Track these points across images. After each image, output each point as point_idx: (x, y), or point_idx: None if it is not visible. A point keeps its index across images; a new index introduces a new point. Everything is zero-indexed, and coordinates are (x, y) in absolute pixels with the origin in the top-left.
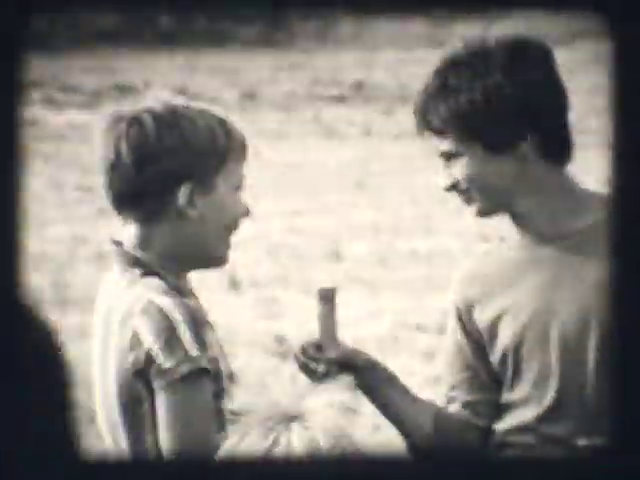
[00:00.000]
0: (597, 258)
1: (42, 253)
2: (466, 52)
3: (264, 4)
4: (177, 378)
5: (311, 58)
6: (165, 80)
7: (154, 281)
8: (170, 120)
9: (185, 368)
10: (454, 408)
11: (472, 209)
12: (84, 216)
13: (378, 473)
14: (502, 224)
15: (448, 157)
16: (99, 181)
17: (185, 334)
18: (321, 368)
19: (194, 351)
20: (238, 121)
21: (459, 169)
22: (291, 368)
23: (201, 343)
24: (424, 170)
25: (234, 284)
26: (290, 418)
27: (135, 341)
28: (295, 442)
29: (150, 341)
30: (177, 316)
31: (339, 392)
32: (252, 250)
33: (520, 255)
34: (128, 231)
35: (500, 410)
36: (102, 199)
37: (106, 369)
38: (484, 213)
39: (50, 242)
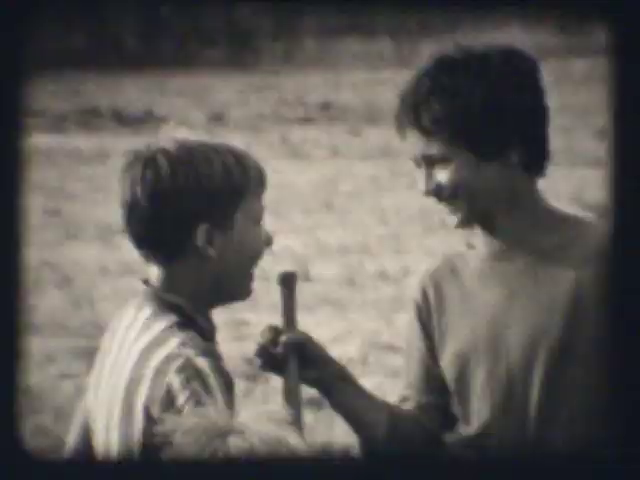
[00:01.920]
0: (556, 278)
1: None
2: (461, 55)
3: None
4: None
5: (277, 79)
6: (132, 103)
7: (192, 337)
8: (185, 160)
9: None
10: (406, 408)
11: (453, 218)
12: (50, 241)
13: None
14: (471, 240)
15: (432, 161)
16: (64, 205)
17: (217, 400)
18: (278, 351)
19: (222, 415)
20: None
21: (445, 174)
22: (262, 389)
23: (230, 411)
24: (392, 190)
25: None
26: (225, 432)
27: (167, 397)
28: (234, 454)
29: (182, 401)
30: (212, 381)
31: (267, 405)
32: None
33: (483, 265)
34: (154, 271)
35: (451, 419)
36: (67, 224)
37: (131, 401)
38: (465, 223)
39: None
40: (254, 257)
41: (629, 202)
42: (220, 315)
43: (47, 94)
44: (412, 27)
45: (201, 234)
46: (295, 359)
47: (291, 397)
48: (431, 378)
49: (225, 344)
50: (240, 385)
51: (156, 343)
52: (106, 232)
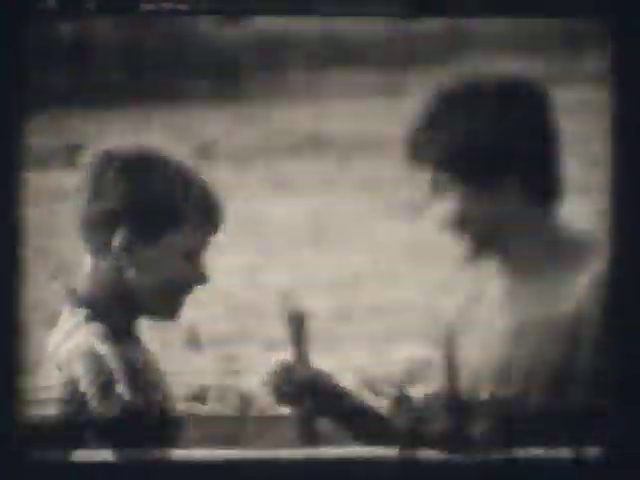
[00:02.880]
0: (562, 304)
1: None
2: (460, 86)
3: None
4: (107, 422)
5: (264, 110)
6: (117, 138)
7: (97, 327)
8: (135, 164)
9: (116, 411)
10: None
11: (461, 250)
12: (36, 279)
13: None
14: (464, 277)
15: (434, 192)
16: (50, 243)
17: (120, 383)
18: (289, 390)
19: (127, 398)
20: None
21: (447, 204)
22: (253, 426)
23: (136, 393)
24: (382, 221)
25: (194, 341)
26: None
27: (72, 384)
28: None
29: (85, 386)
30: (114, 365)
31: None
32: (211, 306)
33: (498, 294)
34: (85, 267)
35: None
36: (54, 261)
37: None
38: (473, 254)
39: None
40: (177, 287)
41: (627, 226)
42: (211, 350)
43: (31, 132)
44: (399, 58)
45: (118, 236)
46: (310, 397)
47: (307, 431)
48: None
49: (216, 378)
50: (231, 421)
51: (67, 337)
52: None
